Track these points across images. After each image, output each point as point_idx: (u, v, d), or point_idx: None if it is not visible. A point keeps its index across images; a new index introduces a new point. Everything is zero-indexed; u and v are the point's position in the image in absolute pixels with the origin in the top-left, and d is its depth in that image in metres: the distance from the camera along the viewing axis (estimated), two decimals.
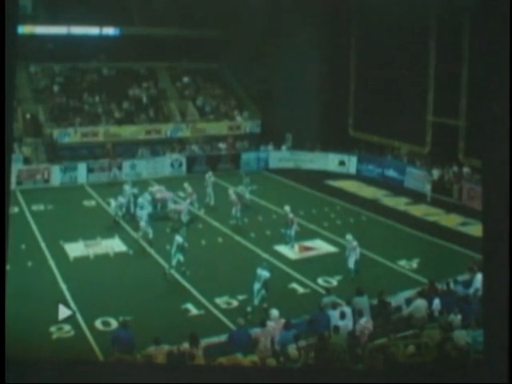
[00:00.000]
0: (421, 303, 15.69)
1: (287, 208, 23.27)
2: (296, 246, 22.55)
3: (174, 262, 19.74)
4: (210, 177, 28.56)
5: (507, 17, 10.87)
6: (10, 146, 11.05)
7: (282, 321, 14.42)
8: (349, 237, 20.26)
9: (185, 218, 25.00)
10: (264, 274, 17.59)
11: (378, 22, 33.30)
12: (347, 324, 14.82)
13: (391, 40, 32.46)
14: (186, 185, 26.88)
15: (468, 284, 16.98)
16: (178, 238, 19.83)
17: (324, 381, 11.58)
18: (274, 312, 14.57)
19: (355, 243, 19.76)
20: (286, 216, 23.12)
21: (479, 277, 16.89)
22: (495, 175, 10.90)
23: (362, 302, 15.72)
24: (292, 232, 22.64)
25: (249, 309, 17.39)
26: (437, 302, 15.68)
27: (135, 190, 26.43)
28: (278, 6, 35.77)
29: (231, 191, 26.71)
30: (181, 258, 19.68)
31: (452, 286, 16.84)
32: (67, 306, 16.94)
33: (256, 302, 17.56)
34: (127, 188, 26.40)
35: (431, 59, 32.57)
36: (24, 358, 11.38)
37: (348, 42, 36.88)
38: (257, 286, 17.60)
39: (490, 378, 10.58)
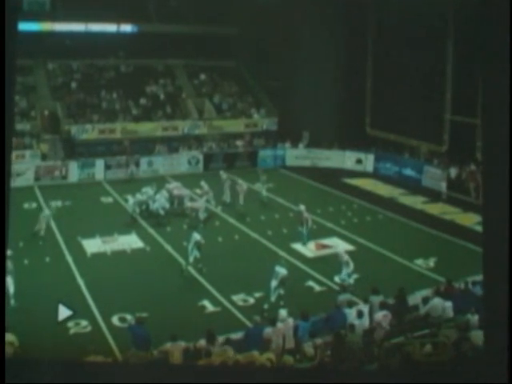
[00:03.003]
0: (437, 302, 15.63)
1: (302, 207, 23.31)
2: (313, 244, 22.55)
3: (191, 259, 19.80)
4: (224, 176, 28.46)
5: None
6: (10, 145, 11.08)
7: (291, 321, 14.44)
8: (340, 251, 19.96)
9: (202, 216, 25.05)
10: (281, 271, 17.67)
11: (395, 21, 33.19)
12: (363, 322, 14.82)
13: (408, 38, 32.32)
14: (202, 183, 26.95)
15: None
16: (196, 236, 19.87)
17: (340, 379, 11.56)
18: (283, 312, 14.55)
19: (346, 257, 19.29)
20: (300, 214, 23.15)
21: None
22: (495, 174, 10.87)
23: (377, 301, 15.70)
24: (306, 230, 22.70)
25: (266, 306, 17.44)
26: (449, 304, 15.60)
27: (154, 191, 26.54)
28: (296, 4, 35.74)
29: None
30: (197, 254, 19.73)
31: (470, 286, 16.77)
32: (79, 303, 17.12)
33: (273, 299, 17.63)
34: (149, 190, 26.31)
35: (449, 57, 32.40)
36: (24, 358, 11.44)
37: (365, 40, 36.78)
38: (274, 283, 17.68)
39: (490, 378, 10.54)
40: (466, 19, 30.15)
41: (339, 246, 22.41)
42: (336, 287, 18.77)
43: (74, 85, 37.30)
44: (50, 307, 16.41)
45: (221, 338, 13.59)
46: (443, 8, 31.01)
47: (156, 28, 39.10)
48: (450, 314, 15.47)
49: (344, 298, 16.26)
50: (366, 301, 15.72)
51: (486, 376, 10.57)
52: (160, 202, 25.21)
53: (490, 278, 10.91)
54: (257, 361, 12.43)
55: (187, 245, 20.07)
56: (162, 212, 24.86)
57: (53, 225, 23.55)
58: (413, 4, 31.46)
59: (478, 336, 13.23)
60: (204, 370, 11.91)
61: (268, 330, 14.12)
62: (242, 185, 27.22)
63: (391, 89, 34.42)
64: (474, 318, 14.51)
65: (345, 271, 18.93)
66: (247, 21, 38.17)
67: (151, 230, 23.79)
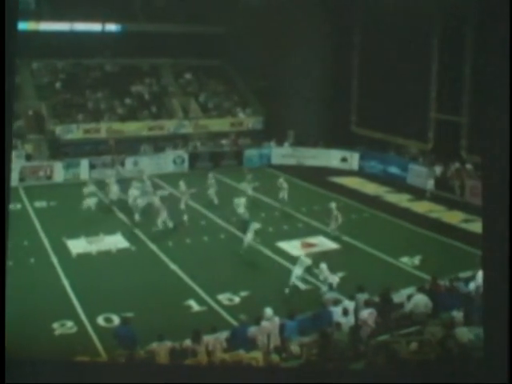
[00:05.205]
0: (420, 298, 15.71)
1: (333, 204, 23.76)
2: (298, 243, 22.57)
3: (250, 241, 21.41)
4: (212, 180, 28.46)
5: (508, 15, 10.85)
6: (10, 144, 11.02)
7: (277, 320, 14.45)
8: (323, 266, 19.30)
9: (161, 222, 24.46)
10: (306, 261, 18.61)
11: (380, 19, 33.31)
12: (349, 320, 14.86)
13: (394, 37, 32.45)
14: (180, 182, 27.00)
15: (470, 281, 16.98)
16: (255, 225, 21.53)
17: (326, 377, 11.57)
18: (268, 311, 14.54)
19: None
20: (330, 211, 23.51)
21: (481, 273, 16.93)
22: (495, 174, 10.89)
23: (362, 299, 15.74)
24: (335, 226, 23.21)
25: (286, 290, 18.18)
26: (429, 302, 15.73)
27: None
28: (281, 3, 35.76)
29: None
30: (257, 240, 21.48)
31: (455, 283, 16.84)
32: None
33: (292, 280, 18.43)
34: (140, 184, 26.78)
35: (434, 56, 32.54)
36: (24, 358, 11.38)
37: (351, 39, 36.89)
38: (297, 270, 18.60)
39: (490, 378, 10.56)
40: (452, 18, 30.32)
41: (325, 244, 22.47)
42: (322, 286, 18.80)
43: (58, 84, 37.17)
44: (35, 308, 16.40)
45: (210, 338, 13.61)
46: (429, 7, 31.11)
47: (142, 27, 39.05)
48: (432, 310, 15.56)
49: (330, 296, 16.30)
50: (351, 297, 15.73)
51: (486, 376, 10.59)
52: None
53: (490, 278, 10.93)
54: (243, 360, 12.44)
55: (172, 245, 20.06)
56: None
57: (37, 225, 23.45)
58: (399, 3, 31.59)
59: (463, 333, 13.29)
60: (190, 370, 11.89)
61: (253, 329, 14.11)
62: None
63: (376, 87, 34.53)
64: (459, 315, 14.56)
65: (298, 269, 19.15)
66: (233, 20, 38.20)
67: (137, 231, 23.75)
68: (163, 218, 23.81)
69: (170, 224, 23.87)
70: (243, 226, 23.28)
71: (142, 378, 11.12)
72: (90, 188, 26.27)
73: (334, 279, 17.79)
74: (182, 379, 11.17)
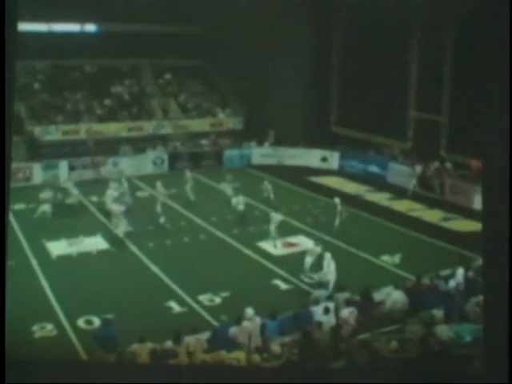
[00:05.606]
0: (397, 295, 15.82)
1: (337, 200, 24.07)
2: (279, 242, 22.57)
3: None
4: (188, 174, 28.50)
5: (490, 13, 10.91)
6: (10, 144, 10.98)
7: (258, 320, 14.44)
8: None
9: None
10: (317, 249, 19.30)
11: (360, 18, 33.36)
12: (330, 319, 14.87)
13: (374, 36, 32.51)
14: (158, 183, 26.87)
15: (450, 278, 17.09)
16: (278, 216, 22.68)
17: (307, 377, 11.58)
18: (249, 311, 14.53)
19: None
20: (335, 207, 23.90)
21: (460, 271, 17.05)
22: (495, 174, 10.94)
23: (343, 298, 15.78)
24: (339, 221, 23.52)
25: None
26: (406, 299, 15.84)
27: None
28: (261, 4, 35.73)
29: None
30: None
31: (435, 281, 16.93)
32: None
33: (306, 269, 19.30)
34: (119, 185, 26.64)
35: (414, 55, 32.69)
36: (24, 358, 11.35)
37: (330, 38, 36.94)
38: (308, 259, 19.37)
39: (490, 378, 10.61)
40: (431, 18, 30.47)
41: (306, 244, 22.48)
42: (303, 285, 18.85)
43: (37, 85, 36.90)
44: (14, 311, 16.23)
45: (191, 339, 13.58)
46: (408, 6, 31.22)
47: (121, 28, 38.78)
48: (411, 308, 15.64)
49: (319, 293, 16.33)
50: (329, 298, 15.75)
51: (486, 376, 10.63)
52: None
53: (490, 278, 10.98)
54: (224, 360, 12.42)
55: (153, 246, 20.00)
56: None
57: (16, 228, 23.28)
58: (378, 2, 31.66)
59: (443, 331, 13.37)
60: (172, 371, 11.86)
61: (234, 330, 14.09)
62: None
63: (356, 87, 34.61)
64: (439, 313, 14.64)
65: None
66: (212, 20, 38.09)
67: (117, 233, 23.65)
68: (124, 228, 23.23)
69: (130, 228, 23.59)
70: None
71: (126, 378, 11.11)
72: (46, 193, 25.81)
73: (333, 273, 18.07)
74: (164, 380, 11.16)
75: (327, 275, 18.16)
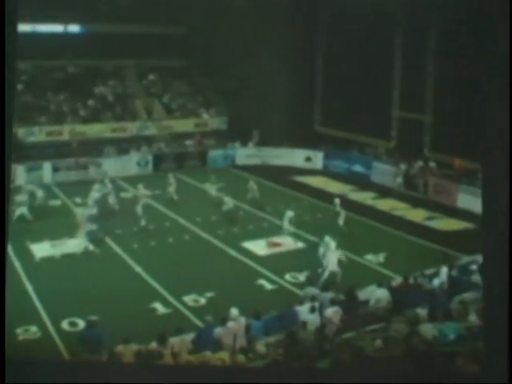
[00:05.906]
0: (380, 293, 15.88)
1: (337, 200, 24.35)
2: (264, 242, 22.58)
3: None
4: (172, 179, 28.55)
5: (476, 12, 10.98)
6: (10, 144, 10.94)
7: (242, 320, 14.44)
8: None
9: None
10: (332, 243, 19.37)
11: (343, 18, 33.45)
12: (315, 319, 14.89)
13: (357, 36, 32.61)
14: (139, 185, 26.73)
15: (434, 277, 17.17)
16: (290, 213, 23.06)
17: (292, 377, 11.60)
18: (234, 311, 14.52)
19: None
20: (335, 207, 24.18)
21: (444, 270, 17.14)
22: (495, 175, 10.98)
23: (327, 297, 15.82)
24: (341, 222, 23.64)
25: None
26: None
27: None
28: (246, 5, 35.73)
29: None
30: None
31: (419, 279, 17.01)
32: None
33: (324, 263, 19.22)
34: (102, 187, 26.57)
35: (397, 55, 32.80)
36: (24, 358, 11.31)
37: (314, 39, 37.00)
38: (321, 250, 19.64)
39: (490, 378, 10.65)
40: (415, 16, 30.59)
41: (290, 244, 22.51)
42: (287, 285, 18.87)
43: (20, 86, 36.64)
44: None
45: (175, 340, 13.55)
46: (392, 5, 31.32)
47: (104, 28, 38.64)
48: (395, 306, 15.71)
49: (310, 291, 16.35)
50: (313, 299, 15.78)
51: (486, 376, 10.67)
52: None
53: (490, 278, 11.02)
54: (209, 361, 12.41)
55: (138, 247, 19.95)
56: None
57: None
58: (362, 3, 31.74)
59: (427, 329, 13.41)
60: (156, 372, 11.84)
61: (219, 330, 14.08)
62: None
63: (340, 87, 34.68)
64: (424, 312, 14.69)
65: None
66: (196, 20, 38.05)
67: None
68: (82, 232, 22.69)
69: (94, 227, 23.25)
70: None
71: (113, 378, 11.10)
72: (23, 196, 25.53)
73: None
74: (149, 380, 11.15)
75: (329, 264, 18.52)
